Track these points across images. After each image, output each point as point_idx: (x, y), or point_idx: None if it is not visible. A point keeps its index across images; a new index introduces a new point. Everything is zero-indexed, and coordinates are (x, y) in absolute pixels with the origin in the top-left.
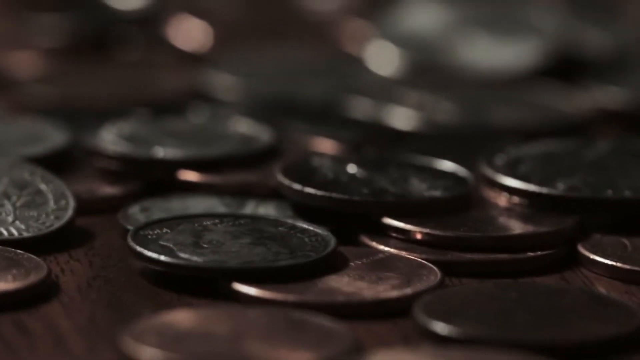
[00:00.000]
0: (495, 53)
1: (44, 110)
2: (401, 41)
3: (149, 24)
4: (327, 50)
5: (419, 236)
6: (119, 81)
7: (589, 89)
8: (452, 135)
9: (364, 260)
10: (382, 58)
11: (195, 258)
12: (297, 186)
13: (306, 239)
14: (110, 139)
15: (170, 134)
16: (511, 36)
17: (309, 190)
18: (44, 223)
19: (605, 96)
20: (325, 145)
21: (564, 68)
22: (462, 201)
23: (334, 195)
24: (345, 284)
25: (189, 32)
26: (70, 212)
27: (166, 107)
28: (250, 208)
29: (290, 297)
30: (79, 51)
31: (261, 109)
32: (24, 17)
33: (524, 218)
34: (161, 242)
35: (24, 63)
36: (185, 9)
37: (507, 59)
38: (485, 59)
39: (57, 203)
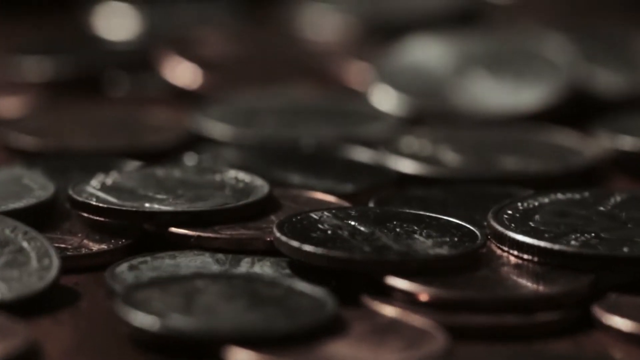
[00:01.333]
0: (502, 96)
1: (27, 158)
2: (403, 84)
3: (139, 63)
4: (326, 93)
5: (423, 297)
6: (108, 126)
7: (601, 133)
8: (458, 184)
9: (366, 323)
10: (383, 102)
11: (186, 324)
12: (294, 243)
13: (304, 302)
14: (98, 190)
15: (161, 185)
16: (519, 78)
17: (307, 248)
18: (26, 284)
19: (617, 142)
20: (325, 197)
21: (574, 112)
22: (470, 259)
23: (333, 254)
24: (345, 350)
25: (180, 73)
26: (54, 272)
27: (157, 155)
28: (245, 266)
29: None
30: (66, 93)
31: (256, 157)
32: (10, 59)
33: (536, 277)
34: (151, 306)
35: (9, 107)
36: (177, 50)
37: (514, 102)
38: (491, 101)
39: (40, 262)
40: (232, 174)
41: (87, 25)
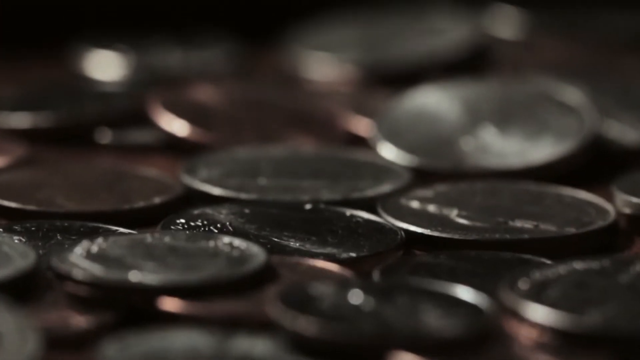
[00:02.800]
0: (513, 149)
1: (6, 219)
2: (407, 140)
3: (130, 113)
4: (327, 149)
5: None
6: (95, 184)
7: (617, 191)
8: (467, 250)
9: None
10: (387, 159)
11: None
12: (291, 323)
13: None
14: (82, 259)
15: (150, 253)
16: (531, 131)
17: (306, 330)
18: None
19: (635, 200)
20: (326, 265)
21: (589, 166)
22: (481, 336)
23: (334, 336)
24: None
25: (172, 124)
26: (32, 355)
27: (146, 218)
28: (239, 342)
29: None
30: (52, 146)
31: (253, 219)
32: None
33: (552, 355)
34: None
35: None
36: (170, 99)
37: (526, 156)
38: (501, 156)
39: (17, 342)
40: (227, 240)
41: (77, 74)
